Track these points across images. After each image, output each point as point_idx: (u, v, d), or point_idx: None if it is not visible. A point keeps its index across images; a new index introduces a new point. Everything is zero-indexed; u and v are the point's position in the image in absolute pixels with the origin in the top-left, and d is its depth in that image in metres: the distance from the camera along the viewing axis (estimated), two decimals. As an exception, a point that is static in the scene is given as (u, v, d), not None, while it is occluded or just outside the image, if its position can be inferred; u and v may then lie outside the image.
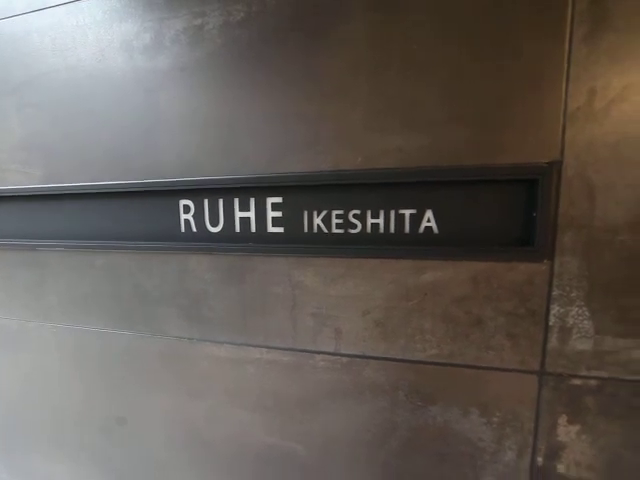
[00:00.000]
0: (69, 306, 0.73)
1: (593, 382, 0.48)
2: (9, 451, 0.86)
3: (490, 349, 0.51)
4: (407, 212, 0.51)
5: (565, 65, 0.43)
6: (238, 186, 0.59)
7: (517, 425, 0.51)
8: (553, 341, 0.48)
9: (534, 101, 0.45)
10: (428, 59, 0.48)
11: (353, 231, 0.54)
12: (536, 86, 0.44)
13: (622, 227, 0.44)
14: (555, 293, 0.47)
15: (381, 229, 0.53)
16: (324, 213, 0.55)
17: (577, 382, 0.48)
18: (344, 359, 0.57)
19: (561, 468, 0.51)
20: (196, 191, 0.62)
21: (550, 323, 0.48)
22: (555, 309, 0.48)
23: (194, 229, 0.63)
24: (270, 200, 0.58)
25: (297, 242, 0.57)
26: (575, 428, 0.49)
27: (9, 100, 0.71)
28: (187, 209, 0.63)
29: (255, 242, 0.59)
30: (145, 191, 0.64)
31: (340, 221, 0.54)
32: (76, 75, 0.65)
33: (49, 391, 0.78)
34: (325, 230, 0.56)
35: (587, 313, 0.47)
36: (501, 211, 0.48)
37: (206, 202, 0.61)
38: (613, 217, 0.44)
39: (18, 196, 0.74)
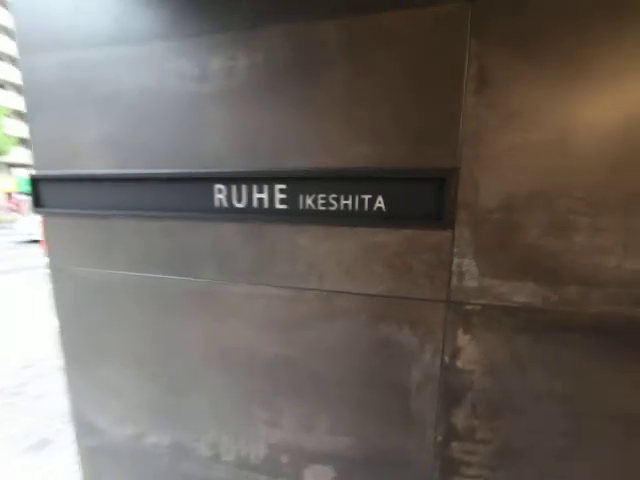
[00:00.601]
0: (132, 259, 1.03)
1: (478, 307, 0.76)
2: (84, 364, 1.17)
3: (416, 286, 0.79)
4: (366, 197, 0.78)
5: (462, 108, 0.70)
6: (256, 176, 0.86)
7: (432, 336, 0.80)
8: (454, 281, 0.76)
9: (443, 130, 0.71)
10: (381, 98, 0.74)
11: (332, 209, 0.82)
12: (445, 120, 0.71)
13: (494, 209, 0.71)
14: (455, 250, 0.75)
15: (349, 208, 0.80)
16: (313, 196, 0.82)
17: (468, 307, 0.76)
18: (324, 293, 0.86)
19: (459, 363, 0.79)
20: (227, 179, 0.89)
21: (452, 269, 0.76)
22: (455, 260, 0.75)
23: (225, 205, 0.91)
24: (277, 186, 0.86)
25: (295, 215, 0.85)
26: (467, 337, 0.78)
27: (91, 108, 0.98)
28: (220, 191, 0.91)
29: (267, 215, 0.87)
30: (190, 177, 0.92)
31: (323, 202, 0.82)
32: (143, 93, 0.92)
33: (116, 320, 1.08)
34: (314, 207, 0.83)
35: (474, 263, 0.74)
36: (423, 198, 0.75)
37: (234, 186, 0.89)
38: (489, 203, 0.71)
39: (96, 179, 1.02)
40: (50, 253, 1.14)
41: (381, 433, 0.88)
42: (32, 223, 10.85)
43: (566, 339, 0.72)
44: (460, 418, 0.81)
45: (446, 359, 0.80)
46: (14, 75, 31.76)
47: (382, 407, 0.87)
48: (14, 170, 29.27)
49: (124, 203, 1.01)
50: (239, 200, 0.89)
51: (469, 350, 0.78)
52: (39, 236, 8.71)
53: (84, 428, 1.22)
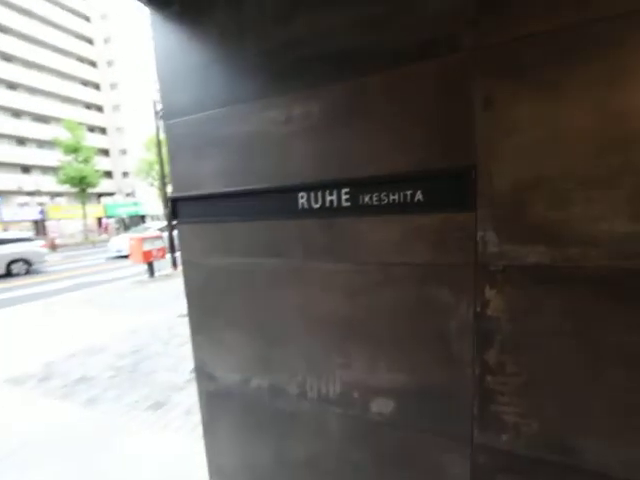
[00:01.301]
0: (242, 250, 1.45)
1: (500, 267, 1.01)
2: (205, 330, 1.62)
3: (451, 255, 1.06)
4: (408, 192, 1.09)
5: (475, 122, 0.98)
6: (327, 184, 1.22)
7: (465, 292, 1.06)
8: (480, 249, 1.02)
9: (462, 138, 1.00)
10: (415, 122, 1.05)
11: (383, 203, 1.13)
12: (463, 132, 0.99)
13: (506, 192, 0.97)
14: (479, 225, 1.01)
15: (397, 201, 1.11)
16: (369, 195, 1.15)
17: (492, 268, 1.02)
18: (380, 266, 1.17)
19: (488, 312, 1.04)
20: (306, 187, 1.27)
21: (477, 240, 1.02)
22: (479, 233, 1.02)
23: (306, 206, 1.28)
24: (343, 190, 1.20)
25: (356, 210, 1.18)
26: (493, 291, 1.03)
27: (212, 150, 1.44)
28: (302, 197, 1.28)
29: (336, 211, 1.22)
30: (281, 189, 1.31)
31: (377, 198, 1.14)
32: (248, 135, 1.35)
33: (230, 296, 1.51)
34: (370, 203, 1.16)
35: (494, 234, 1.00)
36: (451, 189, 1.03)
37: (312, 193, 1.26)
38: (502, 188, 0.97)
39: (215, 196, 1.47)
40: (183, 250, 1.62)
41: (429, 371, 1.15)
42: (122, 242, 12.82)
43: (571, 289, 0.94)
44: (492, 356, 1.05)
45: (477, 309, 1.05)
46: (101, 120, 37.72)
47: (429, 351, 1.14)
48: (102, 199, 34.47)
49: (235, 211, 1.44)
50: (316, 202, 1.26)
51: (495, 301, 1.03)
52: (127, 252, 10.34)
53: (204, 377, 1.67)
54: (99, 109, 38.08)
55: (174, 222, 1.61)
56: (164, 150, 10.07)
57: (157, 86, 1.52)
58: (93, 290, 7.79)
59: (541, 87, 0.91)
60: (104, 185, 32.47)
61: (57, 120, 30.03)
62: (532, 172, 0.94)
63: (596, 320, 0.92)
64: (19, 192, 26.38)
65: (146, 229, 13.29)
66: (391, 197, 1.12)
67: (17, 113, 29.86)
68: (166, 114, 1.53)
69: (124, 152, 37.71)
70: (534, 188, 0.95)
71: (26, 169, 29.79)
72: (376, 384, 1.24)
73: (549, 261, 0.95)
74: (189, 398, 2.72)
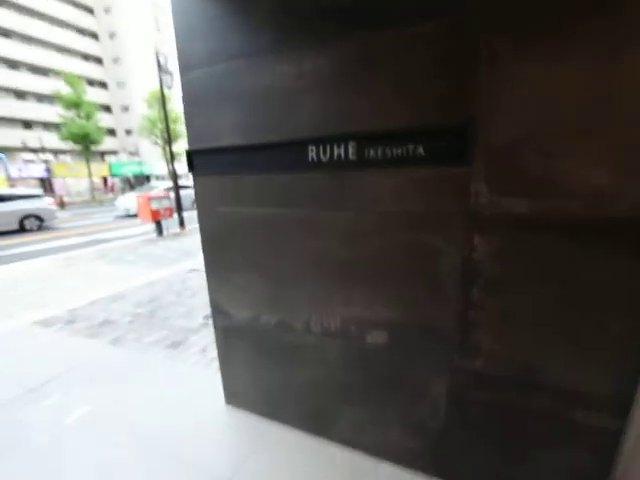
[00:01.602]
0: (255, 200, 1.57)
1: (488, 216, 1.13)
2: (220, 273, 1.80)
3: (446, 203, 1.18)
4: (410, 146, 1.18)
5: (475, 80, 1.04)
6: (334, 138, 1.31)
7: (456, 238, 1.19)
8: (472, 199, 1.14)
9: (461, 98, 1.07)
10: (420, 80, 1.12)
11: (387, 157, 1.23)
12: (463, 90, 1.06)
13: (498, 149, 1.06)
14: (472, 178, 1.12)
15: (399, 155, 1.21)
16: (374, 149, 1.24)
17: (481, 217, 1.14)
18: (382, 214, 1.30)
19: (474, 256, 1.18)
20: (316, 141, 1.36)
21: (470, 191, 1.13)
22: (472, 186, 1.13)
23: (315, 159, 1.38)
24: (350, 143, 1.29)
25: (362, 163, 1.28)
26: (481, 238, 1.16)
27: (226, 103, 1.51)
28: (312, 150, 1.37)
29: (343, 164, 1.32)
30: (292, 142, 1.40)
31: (381, 152, 1.24)
32: (261, 89, 1.41)
33: (243, 241, 1.66)
34: (374, 157, 1.26)
35: (485, 186, 1.11)
36: (449, 144, 1.12)
37: (320, 146, 1.35)
38: (495, 144, 1.06)
39: (229, 149, 1.57)
40: (198, 200, 1.75)
41: (420, 307, 1.32)
42: (129, 201, 12.99)
43: (548, 236, 1.06)
44: (475, 294, 1.21)
45: (465, 254, 1.19)
46: (101, 73, 36.10)
47: (420, 289, 1.30)
48: (106, 158, 34.10)
49: (248, 164, 1.54)
50: (324, 155, 1.35)
51: (481, 247, 1.16)
52: (135, 211, 10.54)
53: (219, 315, 1.88)
54: (98, 61, 36.29)
55: (190, 174, 1.72)
56: (168, 106, 9.84)
57: (174, 38, 1.55)
58: (105, 246, 8.09)
59: (540, 43, 0.96)
60: (107, 143, 31.97)
61: (55, 73, 28.87)
62: (524, 128, 1.03)
63: (566, 264, 1.06)
64: (23, 149, 26.18)
65: (152, 188, 13.36)
66: (394, 151, 1.22)
67: (13, 64, 28.67)
68: (182, 67, 1.58)
69: (126, 109, 36.52)
70: (524, 143, 1.04)
71: (27, 124, 29.23)
72: (372, 318, 1.43)
73: (529, 211, 1.07)
74: (203, 339, 3.01)
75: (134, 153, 35.74)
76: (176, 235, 9.01)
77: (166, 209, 8.50)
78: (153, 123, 26.25)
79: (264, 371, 1.82)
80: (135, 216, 11.13)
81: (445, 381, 1.34)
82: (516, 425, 1.27)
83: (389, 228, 1.30)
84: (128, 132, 36.74)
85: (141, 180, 30.11)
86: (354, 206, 1.34)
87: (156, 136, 26.88)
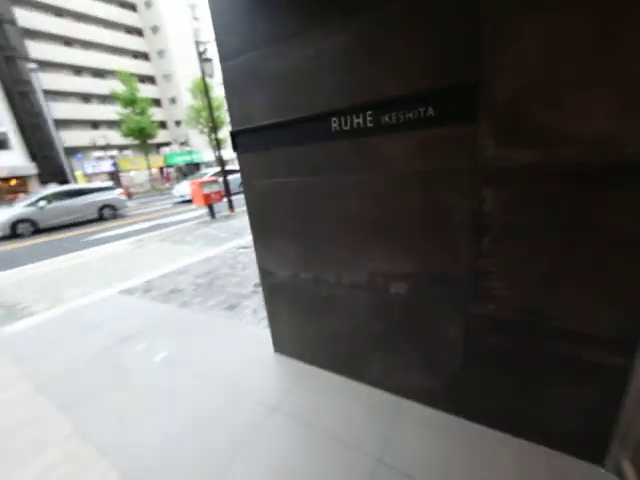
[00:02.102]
0: (289, 171, 1.79)
1: (495, 168, 1.21)
2: (264, 238, 2.09)
3: (457, 160, 1.28)
4: (421, 109, 1.28)
5: (479, 42, 1.10)
6: (353, 108, 1.45)
7: (466, 191, 1.29)
8: (479, 154, 1.22)
9: (468, 60, 1.13)
10: (427, 48, 1.20)
11: (401, 121, 1.34)
12: (468, 53, 1.13)
13: (502, 105, 1.12)
14: (479, 134, 1.20)
15: (412, 118, 1.32)
16: (388, 115, 1.36)
17: (489, 169, 1.22)
18: (399, 175, 1.43)
19: (484, 207, 1.28)
20: (337, 113, 1.51)
21: (477, 145, 1.22)
22: (479, 141, 1.21)
23: (337, 129, 1.53)
24: (367, 112, 1.43)
25: (379, 129, 1.41)
26: (490, 190, 1.25)
27: (257, 87, 1.71)
28: (334, 121, 1.53)
29: (363, 131, 1.46)
30: (317, 116, 1.57)
31: (395, 117, 1.35)
32: (287, 71, 1.58)
33: (281, 209, 1.91)
34: (390, 122, 1.38)
35: (491, 140, 1.19)
36: (457, 105, 1.21)
37: (342, 117, 1.50)
38: (499, 102, 1.13)
39: (263, 128, 1.79)
40: (243, 174, 2.02)
41: (436, 259, 1.46)
42: (184, 188, 14.22)
43: (552, 183, 1.12)
44: (485, 244, 1.31)
45: (475, 207, 1.29)
46: (149, 68, 38.47)
47: (435, 243, 1.43)
48: (161, 150, 36.99)
49: (279, 139, 1.75)
50: (345, 125, 1.51)
51: (490, 198, 1.25)
52: (190, 197, 11.56)
53: (266, 275, 2.19)
54: (145, 57, 38.63)
55: (235, 154, 1.98)
56: (211, 94, 10.36)
57: (212, 31, 1.77)
58: (168, 230, 9.11)
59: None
60: (160, 136, 34.55)
61: (111, 73, 31.49)
62: (528, 82, 1.08)
63: (573, 209, 1.12)
64: (93, 147, 29.52)
65: (203, 175, 14.39)
66: (407, 115, 1.33)
67: (77, 70, 31.83)
68: (221, 57, 1.81)
69: (174, 100, 38.75)
70: (524, 100, 1.09)
71: (95, 125, 32.69)
72: (394, 271, 1.60)
73: (539, 160, 1.13)
74: (254, 303, 3.44)
75: (184, 143, 38.16)
76: (226, 217, 9.75)
77: (216, 193, 9.20)
78: (198, 112, 27.64)
79: (304, 322, 2.11)
80: (190, 201, 12.18)
81: (461, 326, 1.49)
82: (528, 366, 1.38)
83: (404, 187, 1.43)
84: (177, 123, 39.13)
85: (192, 169, 32.34)
86: (373, 169, 1.49)
87: (202, 125, 28.33)
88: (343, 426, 1.69)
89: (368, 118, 1.43)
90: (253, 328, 2.89)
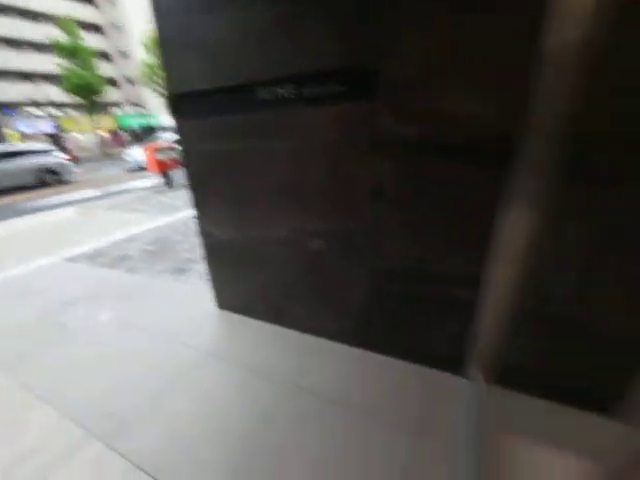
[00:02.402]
0: (222, 136, 1.89)
1: (388, 142, 1.44)
2: (204, 202, 2.20)
3: (360, 132, 1.48)
4: (334, 86, 1.46)
5: (379, 25, 1.28)
6: (278, 80, 1.58)
7: (366, 158, 1.52)
8: (376, 128, 1.44)
9: (369, 43, 1.31)
10: (328, 33, 1.35)
11: (317, 94, 1.51)
12: (370, 36, 1.30)
13: (396, 87, 1.33)
14: (377, 111, 1.41)
15: (325, 93, 1.49)
16: (308, 89, 1.52)
17: (385, 143, 1.45)
18: (316, 141, 1.61)
19: (381, 177, 1.52)
20: (262, 84, 1.63)
21: (375, 122, 1.43)
22: (379, 117, 1.42)
23: (262, 100, 1.66)
24: (290, 85, 1.57)
25: (300, 101, 1.57)
26: (385, 161, 1.48)
27: (193, 51, 1.76)
28: (259, 91, 1.65)
29: (285, 103, 1.61)
30: (244, 86, 1.68)
31: (311, 91, 1.51)
32: (219, 40, 1.65)
33: (220, 173, 2.02)
34: (309, 95, 1.54)
35: (388, 119, 1.40)
36: (365, 82, 1.39)
37: (267, 88, 1.63)
38: (396, 82, 1.33)
39: (198, 93, 1.85)
40: (183, 139, 2.08)
41: (343, 218, 1.70)
42: (138, 154, 13.29)
43: (429, 156, 1.38)
44: (383, 206, 1.57)
45: (374, 175, 1.53)
46: (95, 15, 33.83)
47: (343, 203, 1.67)
48: (111, 111, 33.58)
49: (219, 106, 1.83)
50: (270, 95, 1.64)
51: (385, 168, 1.49)
52: (145, 164, 10.90)
53: (206, 236, 2.33)
54: (90, 0, 33.82)
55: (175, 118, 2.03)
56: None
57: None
58: (119, 198, 8.65)
59: (419, -7, 1.18)
60: (110, 95, 31.26)
61: (47, 18, 27.33)
62: (414, 69, 1.29)
63: (441, 178, 1.39)
64: (30, 103, 26.05)
65: (156, 139, 13.48)
66: (323, 89, 1.50)
67: (2, 9, 27.16)
68: (156, 14, 1.80)
69: (125, 55, 34.87)
70: (415, 81, 1.31)
71: (26, 76, 28.62)
72: (310, 229, 1.83)
73: (417, 136, 1.37)
74: (203, 267, 3.57)
75: (138, 105, 34.94)
76: (184, 185, 9.44)
77: (171, 160, 8.80)
78: (152, 69, 25.26)
79: (239, 278, 2.31)
80: (144, 169, 11.52)
81: (364, 276, 1.77)
82: (415, 305, 1.70)
83: (318, 154, 1.63)
84: (130, 81, 35.51)
85: (148, 132, 30.00)
86: (294, 137, 1.66)
87: (157, 84, 26.03)
88: (268, 364, 1.97)
89: (290, 90, 1.57)
90: (201, 289, 3.05)
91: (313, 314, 2.08)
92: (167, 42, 1.84)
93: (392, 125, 1.41)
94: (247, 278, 2.26)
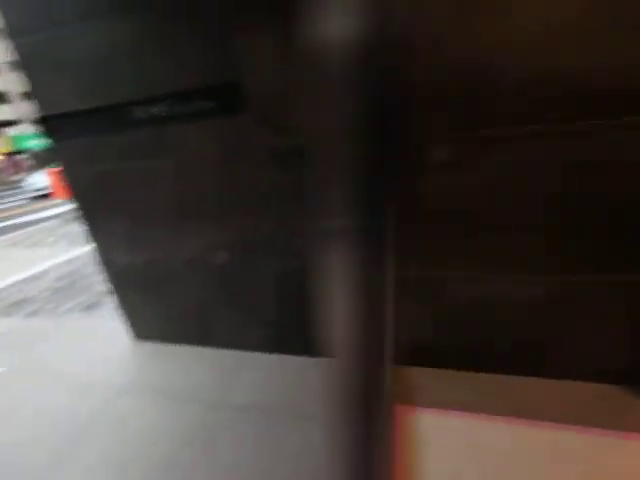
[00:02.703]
0: (104, 154, 1.79)
1: (263, 149, 1.51)
2: (97, 222, 2.04)
3: (235, 143, 1.53)
4: (206, 102, 1.48)
5: (243, 50, 1.34)
6: (152, 99, 1.56)
7: (249, 168, 1.57)
8: (253, 139, 1.50)
9: (230, 62, 1.37)
10: (193, 58, 1.39)
11: (190, 111, 1.52)
12: (238, 61, 1.36)
13: (265, 101, 1.41)
14: (252, 123, 1.47)
15: (199, 110, 1.51)
16: (180, 106, 1.52)
17: (260, 150, 1.52)
18: (197, 156, 1.62)
19: (262, 180, 1.59)
20: (136, 103, 1.59)
21: (250, 133, 1.49)
22: (252, 128, 1.48)
23: (138, 118, 1.62)
24: (162, 103, 1.55)
25: (174, 118, 1.56)
26: (262, 166, 1.55)
27: (61, 72, 1.64)
28: (134, 110, 1.61)
29: (160, 120, 1.59)
30: (117, 105, 1.62)
31: (186, 109, 1.52)
32: (89, 56, 1.56)
33: (102, 193, 1.90)
34: (182, 112, 1.54)
35: (261, 128, 1.47)
36: (232, 99, 1.45)
37: (141, 107, 1.59)
38: (263, 98, 1.41)
39: (73, 114, 1.72)
40: (62, 163, 1.90)
41: (240, 227, 1.73)
42: (41, 179, 11.63)
43: (294, 163, 1.49)
44: (273, 211, 1.64)
45: (253, 180, 1.59)
46: (-35, 22, 28.74)
47: (239, 212, 1.70)
48: (4, 131, 28.88)
49: (95, 125, 1.73)
50: (144, 114, 1.60)
51: (265, 174, 1.56)
52: (50, 190, 9.58)
53: (107, 263, 2.16)
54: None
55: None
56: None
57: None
58: (21, 232, 7.51)
59: (268, 26, 1.28)
60: (2, 112, 26.92)
61: None
62: (278, 87, 1.38)
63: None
64: None
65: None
66: (194, 106, 1.52)
67: None
68: (10, 33, 1.63)
69: (15, 66, 30.25)
70: (278, 98, 1.40)
71: None
72: (212, 244, 1.83)
73: (291, 144, 1.47)
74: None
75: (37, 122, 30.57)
76: (100, 210, 8.54)
77: (81, 183, 7.92)
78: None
79: (151, 304, 2.19)
80: (50, 195, 10.17)
81: (271, 282, 1.83)
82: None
83: (203, 170, 1.64)
84: (26, 95, 30.94)
85: (53, 155, 26.35)
86: (176, 154, 1.65)
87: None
88: (191, 386, 1.91)
89: (164, 108, 1.56)
90: (111, 323, 2.81)
91: (232, 329, 2.07)
92: (28, 61, 1.69)
93: (264, 135, 1.48)
94: (158, 303, 2.16)
